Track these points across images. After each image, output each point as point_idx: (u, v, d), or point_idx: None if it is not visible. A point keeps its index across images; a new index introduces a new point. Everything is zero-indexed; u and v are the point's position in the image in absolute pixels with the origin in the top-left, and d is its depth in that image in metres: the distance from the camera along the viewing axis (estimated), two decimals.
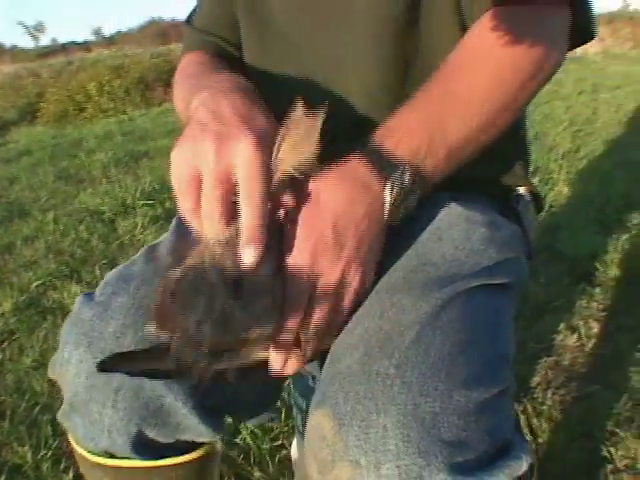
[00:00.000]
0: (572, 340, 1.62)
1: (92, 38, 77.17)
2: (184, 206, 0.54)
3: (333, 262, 0.53)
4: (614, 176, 3.20)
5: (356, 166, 0.56)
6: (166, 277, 0.50)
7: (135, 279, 0.65)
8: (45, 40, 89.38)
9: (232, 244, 0.50)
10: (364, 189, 0.55)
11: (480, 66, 0.62)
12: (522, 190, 0.80)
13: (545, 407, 1.37)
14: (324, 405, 0.51)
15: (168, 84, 9.81)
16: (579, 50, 10.11)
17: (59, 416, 0.66)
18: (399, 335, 0.51)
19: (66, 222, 3.07)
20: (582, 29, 0.66)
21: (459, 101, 0.60)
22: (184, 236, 0.64)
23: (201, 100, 0.58)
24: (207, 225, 0.53)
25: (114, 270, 0.69)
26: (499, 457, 0.49)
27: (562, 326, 1.69)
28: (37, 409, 1.56)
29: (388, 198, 0.55)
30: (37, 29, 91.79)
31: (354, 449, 0.47)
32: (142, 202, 3.20)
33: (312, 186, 0.55)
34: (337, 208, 0.54)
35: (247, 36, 0.80)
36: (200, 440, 0.66)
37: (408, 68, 0.69)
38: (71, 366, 0.62)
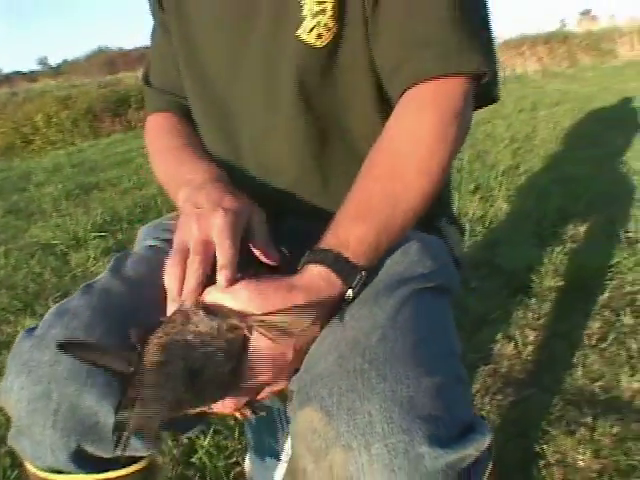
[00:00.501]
0: (509, 348, 1.73)
1: (38, 68, 76.11)
2: (172, 272, 0.65)
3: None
4: (550, 191, 3.36)
5: (322, 279, 0.64)
6: (151, 341, 0.58)
7: (69, 313, 0.72)
8: None
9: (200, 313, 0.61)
10: (329, 299, 0.65)
11: (411, 164, 0.70)
12: (445, 213, 0.93)
13: (484, 412, 1.47)
14: (310, 402, 0.57)
15: (116, 114, 9.80)
16: (519, 69, 10.46)
17: (9, 439, 0.72)
18: (365, 338, 0.60)
19: (17, 256, 3.08)
20: (488, 94, 0.80)
21: (399, 202, 0.69)
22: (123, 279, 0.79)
23: (185, 196, 0.73)
24: (186, 287, 0.63)
25: (53, 307, 0.77)
26: (466, 433, 0.56)
27: (499, 336, 1.79)
28: None
29: (351, 295, 0.65)
30: None
31: (345, 434, 0.53)
32: (94, 234, 3.23)
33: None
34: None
35: (192, 98, 0.93)
36: (138, 454, 0.73)
37: (328, 130, 0.81)
38: (13, 393, 0.69)
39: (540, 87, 9.87)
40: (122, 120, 9.50)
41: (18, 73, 63.27)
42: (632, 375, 1.55)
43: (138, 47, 32.30)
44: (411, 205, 0.69)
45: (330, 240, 0.66)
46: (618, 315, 1.89)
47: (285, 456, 1.08)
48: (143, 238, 0.92)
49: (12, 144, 10.19)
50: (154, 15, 0.98)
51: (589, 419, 1.40)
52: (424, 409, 0.54)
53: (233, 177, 0.81)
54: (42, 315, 2.02)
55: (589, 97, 7.96)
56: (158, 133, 0.97)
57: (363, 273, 0.65)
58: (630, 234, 2.58)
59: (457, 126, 0.72)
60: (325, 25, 0.74)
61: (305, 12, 0.74)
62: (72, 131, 10.06)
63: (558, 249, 2.43)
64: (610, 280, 2.13)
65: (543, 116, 6.43)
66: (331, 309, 0.65)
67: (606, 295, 2.03)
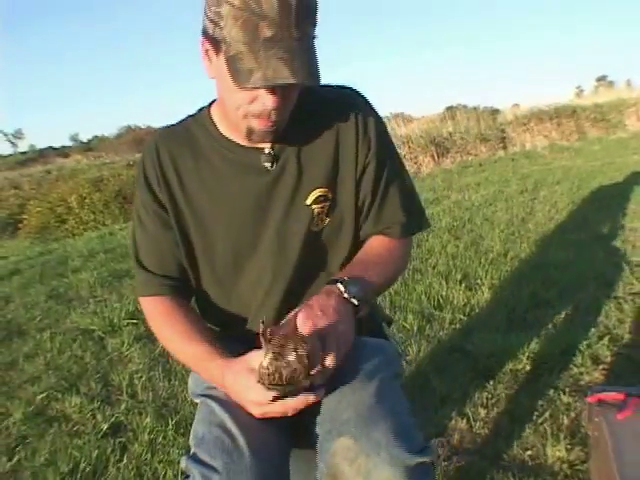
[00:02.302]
0: (462, 424, 2.14)
1: (69, 143, 78.88)
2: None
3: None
4: (529, 278, 3.76)
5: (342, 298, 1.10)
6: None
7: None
8: (23, 146, 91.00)
9: None
10: (348, 309, 1.09)
11: (390, 259, 1.25)
12: (384, 318, 1.46)
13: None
14: (343, 434, 1.01)
15: None
16: (529, 145, 10.71)
17: None
18: (366, 402, 1.05)
19: (61, 340, 3.54)
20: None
21: (379, 270, 1.21)
22: None
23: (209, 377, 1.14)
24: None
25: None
26: (424, 449, 1.01)
27: (455, 413, 2.20)
28: None
29: (362, 313, 1.12)
30: (16, 136, 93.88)
31: (365, 448, 0.98)
32: (126, 321, 3.68)
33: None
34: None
35: (204, 280, 1.28)
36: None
37: (317, 271, 1.27)
38: None
39: (547, 164, 10.22)
40: None
41: (51, 148, 65.59)
42: (555, 445, 1.95)
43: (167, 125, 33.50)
44: (390, 277, 1.27)
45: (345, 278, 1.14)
46: (559, 394, 2.28)
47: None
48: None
49: (47, 223, 10.81)
50: (147, 208, 1.23)
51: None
52: (405, 435, 1.00)
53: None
54: (86, 394, 2.49)
55: (591, 173, 8.37)
56: (162, 319, 1.23)
57: (369, 300, 1.16)
58: (590, 319, 2.98)
59: (407, 258, 1.33)
60: (321, 219, 1.23)
61: (314, 213, 1.21)
62: (103, 212, 10.66)
63: (523, 335, 2.83)
64: (560, 363, 2.53)
65: (542, 197, 6.78)
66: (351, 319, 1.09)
67: (553, 377, 2.42)
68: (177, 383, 2.75)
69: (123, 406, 2.57)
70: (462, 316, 3.22)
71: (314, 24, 1.03)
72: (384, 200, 1.26)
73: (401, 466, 0.95)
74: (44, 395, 2.79)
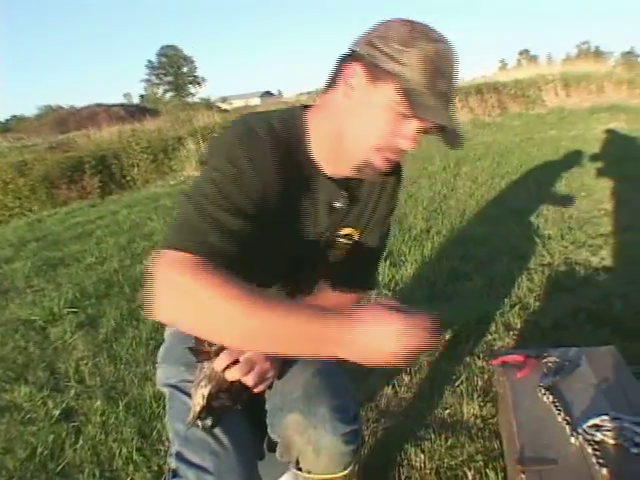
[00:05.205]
0: (388, 390, 2.38)
1: None
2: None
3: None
4: (448, 253, 4.05)
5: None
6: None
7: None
8: None
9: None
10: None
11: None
12: None
13: (365, 434, 2.10)
14: (293, 411, 1.23)
15: (72, 180, 10.19)
16: None
17: None
18: (307, 383, 1.26)
19: (2, 332, 3.59)
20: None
21: None
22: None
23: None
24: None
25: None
26: (356, 418, 1.25)
27: (383, 381, 2.44)
28: None
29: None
30: None
31: (312, 421, 1.20)
32: (67, 310, 3.77)
33: None
34: None
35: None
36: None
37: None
38: None
39: (468, 139, 10.49)
40: (78, 187, 9.92)
41: None
42: (469, 404, 2.22)
43: (89, 105, 32.50)
44: None
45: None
46: (474, 359, 2.55)
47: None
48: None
49: None
50: (234, 182, 1.05)
51: (433, 435, 2.06)
52: (343, 408, 1.23)
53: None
54: (34, 383, 2.61)
55: (511, 149, 8.80)
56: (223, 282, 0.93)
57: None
58: (504, 289, 3.28)
59: None
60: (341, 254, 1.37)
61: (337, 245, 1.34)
62: (29, 197, 10.40)
63: (443, 306, 3.10)
64: (476, 331, 2.81)
65: (464, 173, 7.12)
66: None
67: (470, 343, 2.69)
68: (123, 367, 2.88)
69: (72, 392, 2.69)
70: (387, 291, 3.47)
71: None
72: (366, 257, 1.43)
73: (340, 434, 1.20)
74: None
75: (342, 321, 0.91)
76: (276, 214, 1.13)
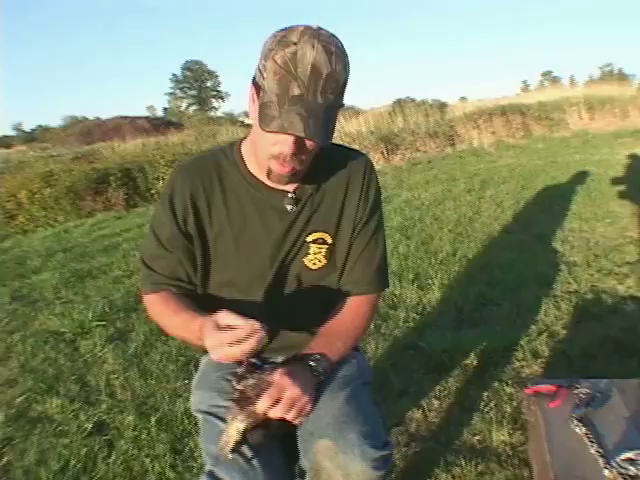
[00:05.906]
0: (418, 414, 2.40)
1: (12, 133, 76.72)
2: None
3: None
4: (475, 278, 4.06)
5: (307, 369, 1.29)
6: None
7: None
8: None
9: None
10: (314, 382, 1.29)
11: (356, 325, 1.45)
12: None
13: (395, 461, 2.11)
14: (323, 438, 1.23)
15: (97, 192, 10.33)
16: (476, 142, 10.89)
17: None
18: (337, 410, 1.27)
19: (32, 343, 3.63)
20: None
21: (344, 341, 1.41)
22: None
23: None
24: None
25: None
26: (386, 445, 1.26)
27: (412, 405, 2.46)
28: None
29: (322, 378, 1.31)
30: None
31: (342, 447, 1.20)
32: (96, 323, 3.80)
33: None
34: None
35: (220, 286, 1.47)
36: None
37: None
38: None
39: (493, 162, 10.62)
40: (103, 199, 10.04)
41: None
42: (499, 430, 2.23)
43: (114, 117, 32.93)
44: (353, 341, 1.45)
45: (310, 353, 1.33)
46: (503, 386, 2.56)
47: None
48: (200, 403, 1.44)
49: None
50: (164, 228, 1.39)
51: (463, 461, 2.07)
52: (373, 434, 1.24)
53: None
54: (65, 395, 2.66)
55: (535, 172, 8.77)
56: (164, 306, 1.38)
57: (327, 369, 1.33)
58: (531, 316, 3.29)
59: (373, 312, 1.51)
60: (319, 260, 1.44)
61: (310, 251, 1.43)
62: (54, 208, 10.53)
63: (471, 333, 3.12)
64: (503, 357, 2.82)
65: (489, 196, 7.11)
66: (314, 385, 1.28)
67: (498, 370, 2.70)
68: (154, 382, 2.92)
69: (104, 406, 2.73)
70: (415, 314, 3.49)
71: (339, 95, 1.21)
72: (360, 258, 1.48)
73: (369, 460, 1.20)
74: (23, 397, 2.90)
75: (202, 327, 1.19)
76: (221, 223, 1.39)
